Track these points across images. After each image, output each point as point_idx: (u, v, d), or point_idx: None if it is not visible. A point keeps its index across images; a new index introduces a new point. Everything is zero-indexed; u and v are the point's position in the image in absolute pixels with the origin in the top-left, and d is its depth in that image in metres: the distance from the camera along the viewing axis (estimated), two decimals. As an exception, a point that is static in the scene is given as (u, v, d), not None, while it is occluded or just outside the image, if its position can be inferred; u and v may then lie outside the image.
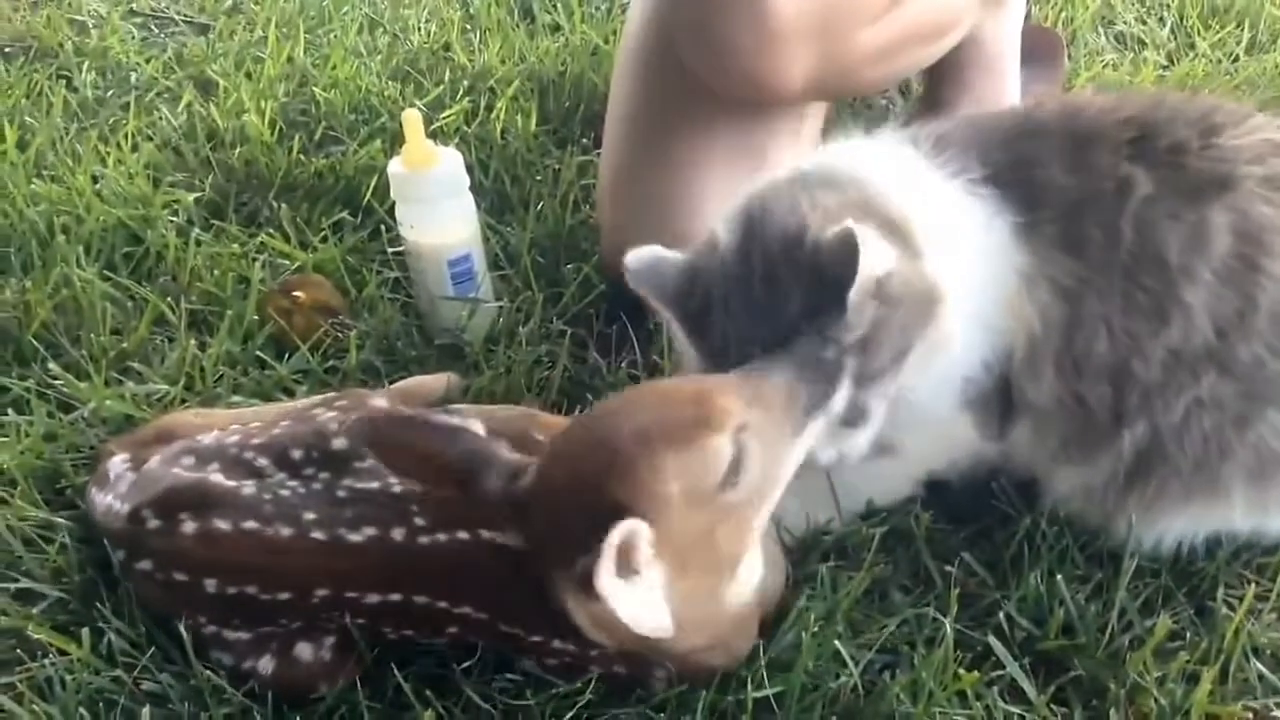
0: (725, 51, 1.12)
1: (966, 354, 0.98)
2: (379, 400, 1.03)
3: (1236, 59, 1.85)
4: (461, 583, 0.89)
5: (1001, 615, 0.98)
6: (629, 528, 0.72)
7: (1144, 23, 1.98)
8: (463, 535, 0.89)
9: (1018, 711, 0.92)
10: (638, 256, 0.95)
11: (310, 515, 0.90)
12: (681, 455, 0.76)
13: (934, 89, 1.59)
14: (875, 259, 0.87)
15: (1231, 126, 0.98)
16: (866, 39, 1.27)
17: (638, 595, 0.74)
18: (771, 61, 1.18)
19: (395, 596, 0.90)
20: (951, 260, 0.95)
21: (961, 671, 0.92)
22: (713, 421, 0.78)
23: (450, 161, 1.33)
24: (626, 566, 0.73)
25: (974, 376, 0.99)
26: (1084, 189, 0.97)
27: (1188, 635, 0.99)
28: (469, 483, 0.82)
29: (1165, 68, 1.85)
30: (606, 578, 0.71)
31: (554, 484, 0.79)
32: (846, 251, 0.86)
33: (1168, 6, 2.02)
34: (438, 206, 1.33)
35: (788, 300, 0.90)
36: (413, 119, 1.30)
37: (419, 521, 0.90)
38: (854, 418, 0.92)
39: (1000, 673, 0.95)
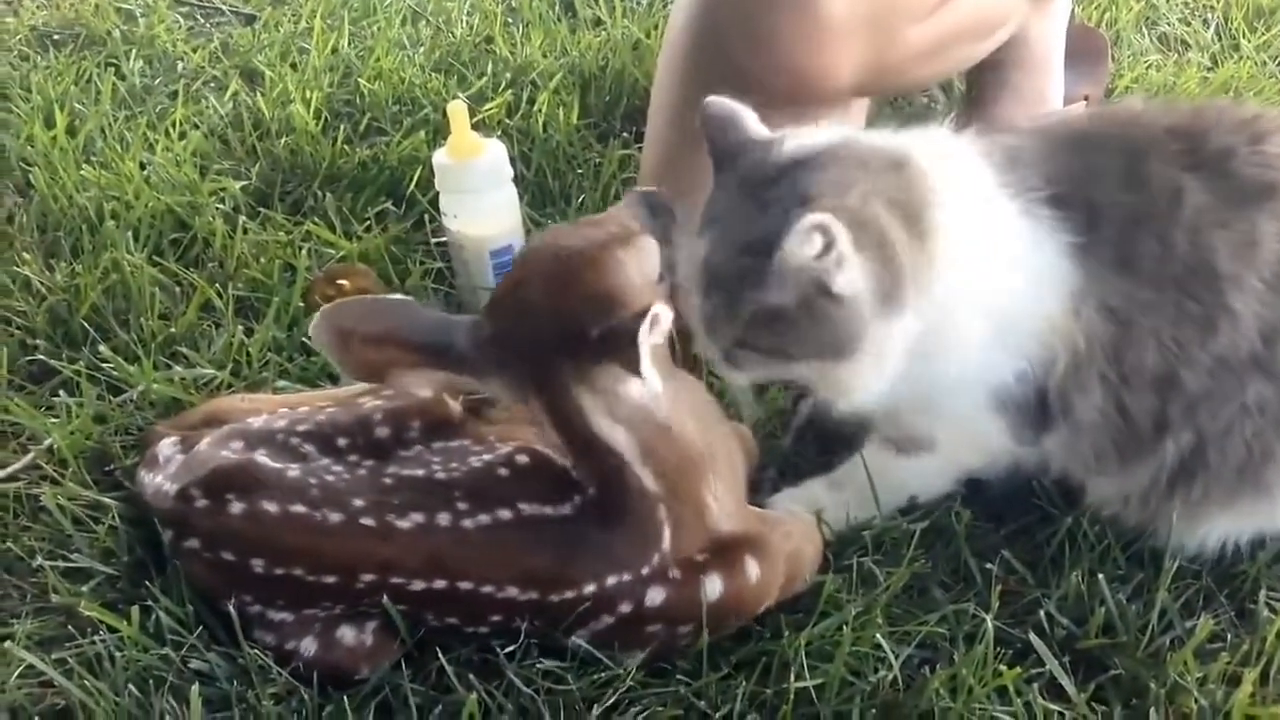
0: (774, 47, 1.13)
1: (994, 367, 0.98)
2: (424, 390, 1.04)
3: (1282, 62, 1.84)
4: (507, 564, 0.91)
5: (1042, 613, 0.98)
6: (660, 309, 0.86)
7: (1188, 24, 1.97)
8: (505, 514, 0.91)
9: (1057, 709, 0.92)
10: (720, 102, 0.99)
11: (359, 501, 0.92)
12: (631, 252, 0.91)
13: (977, 88, 1.59)
14: (817, 260, 0.88)
15: (1276, 133, 0.98)
16: (916, 36, 1.27)
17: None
18: (820, 58, 1.19)
19: (440, 583, 0.91)
20: (989, 278, 0.96)
21: (1003, 668, 0.92)
22: (638, 229, 0.94)
23: (494, 153, 1.34)
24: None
25: (1004, 385, 0.99)
26: (1139, 204, 0.97)
27: (1229, 637, 0.99)
28: (442, 349, 0.92)
29: (1209, 69, 1.84)
30: (644, 335, 0.84)
31: (527, 306, 0.90)
32: (798, 241, 0.87)
33: (1212, 8, 2.01)
34: (481, 197, 1.34)
35: (750, 225, 0.92)
36: (458, 110, 1.31)
37: (462, 506, 0.92)
38: (729, 362, 0.97)
39: (1040, 670, 0.95)
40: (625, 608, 0.92)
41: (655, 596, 0.92)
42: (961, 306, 0.96)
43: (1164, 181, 0.96)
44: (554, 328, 0.89)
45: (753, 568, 0.95)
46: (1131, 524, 1.05)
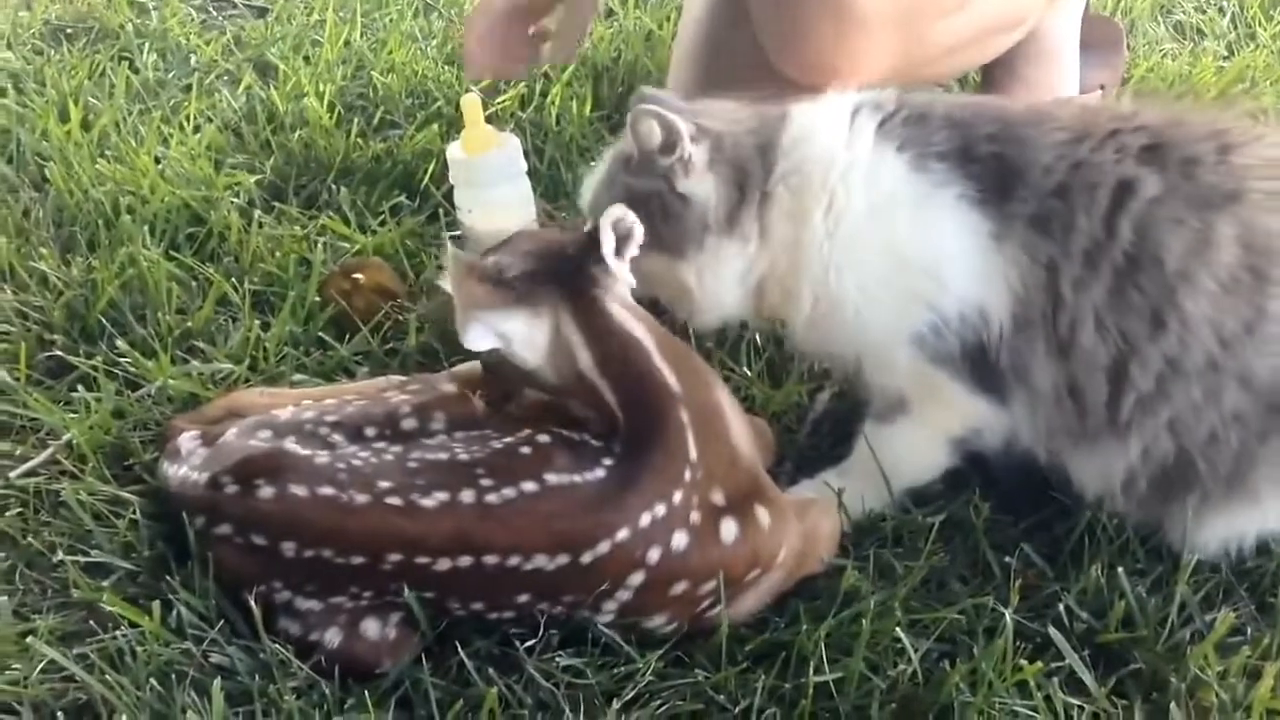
0: (806, 43, 1.14)
1: (902, 316, 1.02)
2: (447, 384, 1.05)
3: (1298, 50, 1.83)
4: (537, 530, 0.92)
5: (1061, 607, 0.98)
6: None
7: (1204, 12, 1.96)
8: (531, 486, 0.92)
9: (1078, 703, 0.92)
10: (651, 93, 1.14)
11: (384, 483, 0.93)
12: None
13: (991, 80, 1.58)
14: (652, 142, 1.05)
15: (1246, 145, 0.99)
16: (942, 31, 1.27)
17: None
18: (851, 54, 1.19)
19: (466, 560, 0.91)
20: (856, 223, 1.02)
21: (1024, 662, 0.92)
22: None
23: (508, 146, 1.34)
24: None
25: (919, 336, 1.01)
26: (1076, 180, 0.98)
27: (1249, 630, 0.99)
28: (506, 283, 1.00)
29: (1225, 58, 1.83)
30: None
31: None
32: (636, 123, 1.05)
33: (1228, -4, 2.00)
34: (495, 191, 1.34)
35: None
36: (472, 104, 1.31)
37: (486, 483, 0.93)
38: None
39: (1059, 664, 0.95)
40: (654, 555, 0.92)
41: (680, 541, 0.93)
42: (824, 248, 1.03)
43: (1112, 168, 0.98)
44: (567, 248, 1.01)
45: (763, 515, 0.97)
46: (1133, 521, 1.05)
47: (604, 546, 0.91)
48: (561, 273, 0.99)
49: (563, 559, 0.91)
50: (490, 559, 0.91)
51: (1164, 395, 0.97)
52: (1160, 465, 1.00)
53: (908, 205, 1.01)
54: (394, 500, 0.92)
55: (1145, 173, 0.97)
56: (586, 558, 0.91)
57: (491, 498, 0.92)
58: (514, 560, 0.91)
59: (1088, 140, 1.00)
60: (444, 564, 0.92)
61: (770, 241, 1.06)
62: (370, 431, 0.99)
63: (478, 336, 0.98)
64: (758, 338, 1.27)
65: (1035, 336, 0.99)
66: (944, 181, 1.00)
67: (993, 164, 1.00)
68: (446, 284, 1.01)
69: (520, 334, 0.99)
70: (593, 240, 1.00)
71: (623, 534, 0.92)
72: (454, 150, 1.34)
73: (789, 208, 1.04)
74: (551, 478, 0.93)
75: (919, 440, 1.08)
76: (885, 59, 1.21)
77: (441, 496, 0.92)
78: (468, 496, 0.92)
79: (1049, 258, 0.98)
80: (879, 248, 1.02)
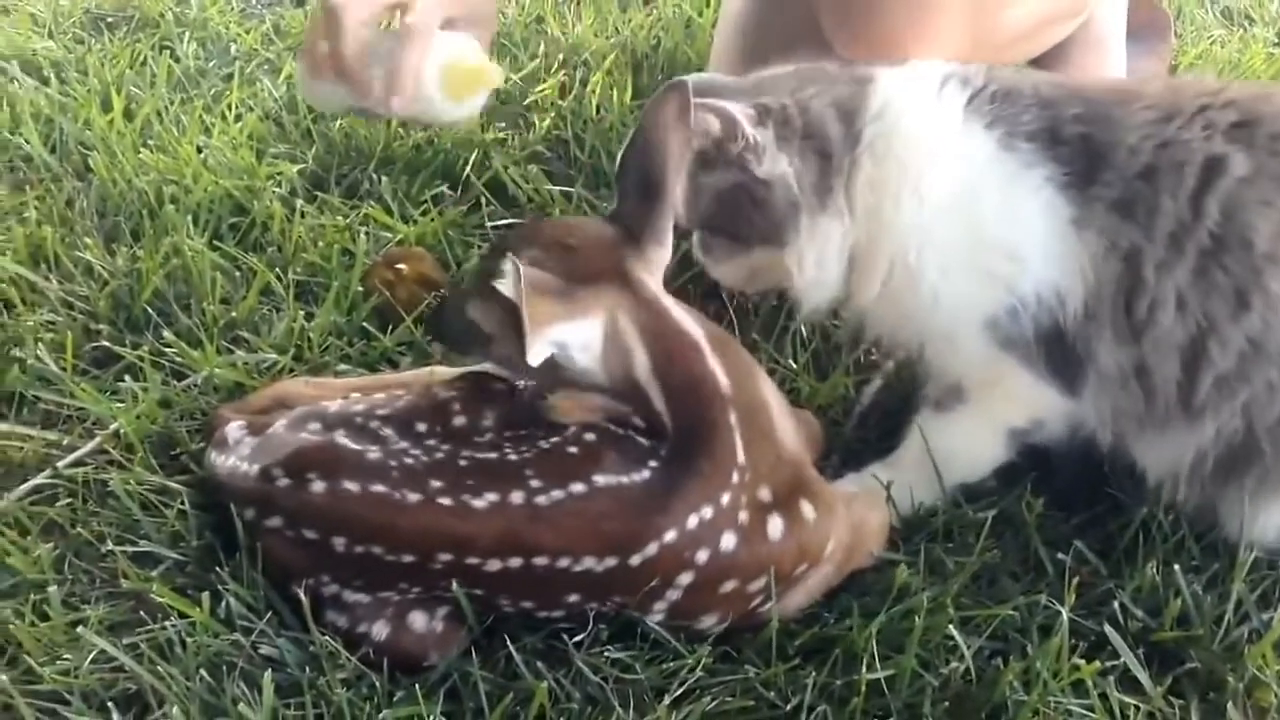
0: (876, 18, 1.13)
1: (978, 297, 1.00)
2: (495, 383, 1.04)
3: (1351, 37, 1.80)
4: (585, 531, 0.91)
5: (1116, 604, 0.97)
6: None
7: (1253, -2, 1.93)
8: (579, 488, 0.91)
9: (1133, 702, 0.91)
10: (701, 78, 1.10)
11: (436, 482, 0.92)
12: None
13: (1039, 66, 1.56)
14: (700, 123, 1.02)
15: None
16: (1011, 19, 1.26)
17: None
18: (923, 33, 1.17)
19: (515, 561, 0.91)
20: (942, 199, 1.00)
21: (1080, 662, 0.91)
22: None
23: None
24: None
25: (994, 320, 1.00)
26: (1163, 160, 0.97)
27: (1308, 630, 0.97)
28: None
29: (1275, 45, 1.80)
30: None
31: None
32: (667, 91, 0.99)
33: (1278, -18, 1.97)
34: None
35: None
36: None
37: (535, 484, 0.92)
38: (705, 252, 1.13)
39: (1114, 663, 0.94)
40: (703, 556, 0.92)
41: (728, 542, 0.92)
42: (909, 224, 1.01)
43: (1201, 145, 0.96)
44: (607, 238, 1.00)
45: (808, 509, 0.96)
46: (1191, 508, 1.04)
47: (652, 548, 0.91)
48: (611, 268, 0.97)
49: (611, 561, 0.91)
50: (540, 560, 0.91)
51: (1243, 376, 0.96)
52: (1228, 447, 0.98)
53: (995, 186, 0.99)
54: (445, 500, 0.92)
55: (1234, 150, 0.95)
56: (635, 559, 0.91)
57: (541, 499, 0.91)
58: (563, 562, 0.91)
59: (1176, 118, 0.98)
60: (494, 564, 0.91)
61: (855, 212, 1.03)
62: (421, 427, 0.99)
63: (541, 353, 0.92)
64: (804, 329, 1.26)
65: (1104, 320, 0.98)
66: (1032, 162, 0.99)
67: (1079, 145, 0.98)
68: (505, 289, 0.95)
69: (578, 340, 0.95)
70: (637, 226, 0.98)
71: (670, 536, 0.91)
72: None
73: (871, 175, 1.02)
74: (600, 479, 0.92)
75: (977, 431, 1.07)
76: (955, 43, 1.19)
77: (492, 497, 0.91)
78: (517, 498, 0.91)
79: (1130, 243, 0.96)
80: (963, 227, 1.00)
